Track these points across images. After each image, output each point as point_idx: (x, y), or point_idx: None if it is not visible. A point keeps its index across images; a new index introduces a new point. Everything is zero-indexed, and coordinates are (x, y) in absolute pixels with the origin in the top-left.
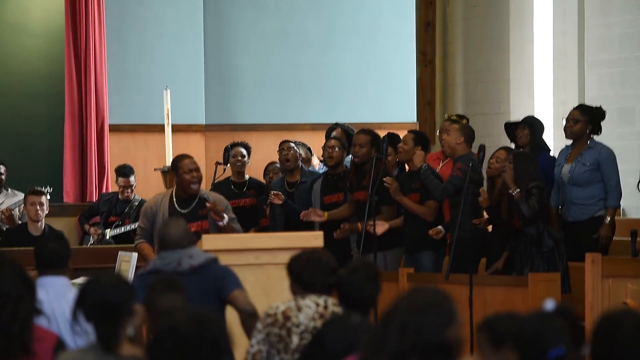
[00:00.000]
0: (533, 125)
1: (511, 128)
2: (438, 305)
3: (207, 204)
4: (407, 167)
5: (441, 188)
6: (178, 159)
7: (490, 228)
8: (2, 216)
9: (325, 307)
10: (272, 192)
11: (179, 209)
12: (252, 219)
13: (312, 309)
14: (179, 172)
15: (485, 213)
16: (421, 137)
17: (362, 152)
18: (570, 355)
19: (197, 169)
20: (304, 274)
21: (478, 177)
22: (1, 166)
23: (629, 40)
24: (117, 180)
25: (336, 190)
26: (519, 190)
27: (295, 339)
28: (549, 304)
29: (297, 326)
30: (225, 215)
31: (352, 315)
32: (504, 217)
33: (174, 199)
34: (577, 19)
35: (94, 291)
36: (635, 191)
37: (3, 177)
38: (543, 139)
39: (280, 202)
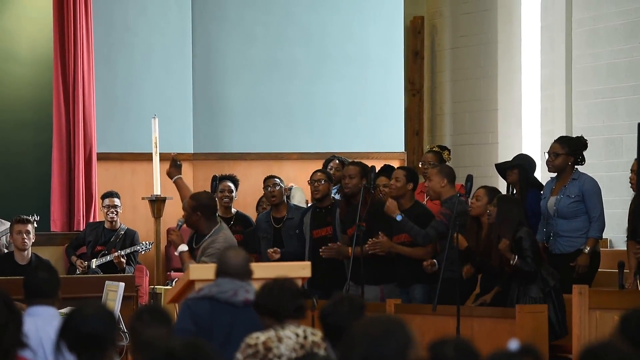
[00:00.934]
0: (522, 166)
1: (502, 168)
2: (395, 332)
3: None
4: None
5: (423, 234)
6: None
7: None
8: None
9: (305, 337)
10: (269, 251)
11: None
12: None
13: (292, 340)
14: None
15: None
16: (412, 173)
17: (352, 183)
18: None
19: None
20: (279, 303)
21: (463, 220)
22: None
23: (616, 71)
24: (102, 203)
25: (325, 224)
26: (516, 258)
27: None
28: (513, 344)
29: (279, 357)
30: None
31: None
32: (495, 265)
33: None
34: (564, 49)
35: (77, 322)
36: (624, 222)
37: None
38: (534, 177)
39: (278, 256)
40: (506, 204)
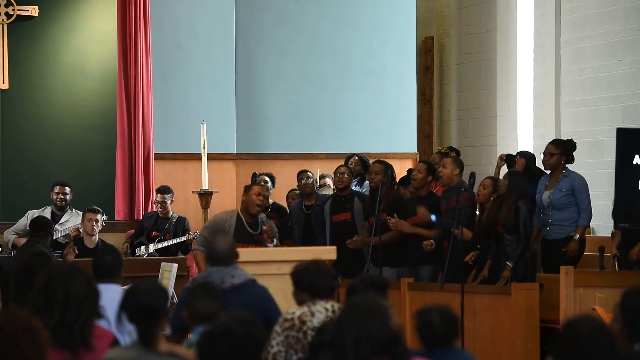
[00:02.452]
0: (528, 156)
1: (510, 159)
2: (373, 307)
3: (264, 227)
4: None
5: (445, 224)
6: (253, 184)
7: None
8: (72, 234)
9: (333, 311)
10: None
11: (250, 230)
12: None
13: (322, 314)
14: (250, 192)
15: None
16: (431, 167)
17: (377, 179)
18: None
19: (266, 197)
20: (316, 282)
21: (471, 203)
22: (67, 187)
23: (598, 83)
24: (155, 197)
25: (344, 210)
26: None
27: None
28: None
29: (312, 329)
30: (275, 240)
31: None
32: (501, 222)
33: (243, 221)
34: (554, 64)
35: (135, 296)
36: (604, 212)
37: (69, 197)
38: (537, 167)
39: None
40: (515, 177)
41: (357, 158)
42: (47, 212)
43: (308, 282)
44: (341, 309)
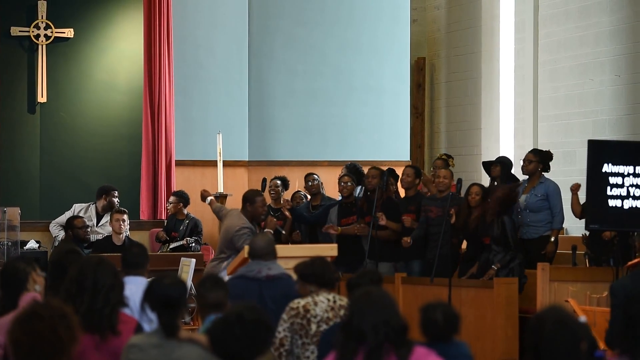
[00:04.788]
0: (504, 163)
1: (487, 165)
2: (386, 299)
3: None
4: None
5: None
6: (255, 195)
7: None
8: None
9: (334, 301)
10: (326, 226)
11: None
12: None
13: (325, 303)
14: (256, 205)
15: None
16: (418, 171)
17: (373, 182)
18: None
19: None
20: (325, 274)
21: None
22: (116, 192)
23: (571, 100)
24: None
25: (350, 214)
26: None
27: (313, 327)
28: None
29: (315, 317)
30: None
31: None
32: (489, 218)
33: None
34: (532, 83)
35: (157, 288)
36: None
37: (117, 200)
38: (512, 174)
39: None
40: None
41: (352, 166)
42: (91, 210)
43: (318, 273)
44: (353, 298)
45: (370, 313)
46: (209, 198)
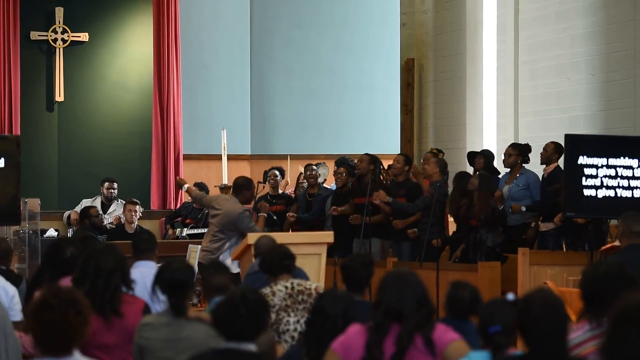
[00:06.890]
0: (487, 156)
1: (472, 156)
2: (420, 283)
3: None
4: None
5: (412, 206)
6: (250, 182)
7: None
8: (114, 222)
9: (292, 287)
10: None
11: None
12: (282, 220)
13: (282, 292)
14: (252, 190)
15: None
16: (408, 159)
17: (362, 166)
18: (507, 332)
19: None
20: (267, 264)
21: (443, 198)
22: (114, 183)
23: (549, 98)
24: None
25: (344, 202)
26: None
27: (272, 316)
28: (510, 296)
29: (273, 307)
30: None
31: (337, 289)
32: (477, 210)
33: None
34: (513, 81)
35: (167, 272)
36: None
37: (115, 191)
38: (494, 166)
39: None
40: (484, 177)
41: (343, 160)
42: (97, 202)
43: (266, 265)
44: (389, 279)
45: (408, 295)
46: (186, 186)
